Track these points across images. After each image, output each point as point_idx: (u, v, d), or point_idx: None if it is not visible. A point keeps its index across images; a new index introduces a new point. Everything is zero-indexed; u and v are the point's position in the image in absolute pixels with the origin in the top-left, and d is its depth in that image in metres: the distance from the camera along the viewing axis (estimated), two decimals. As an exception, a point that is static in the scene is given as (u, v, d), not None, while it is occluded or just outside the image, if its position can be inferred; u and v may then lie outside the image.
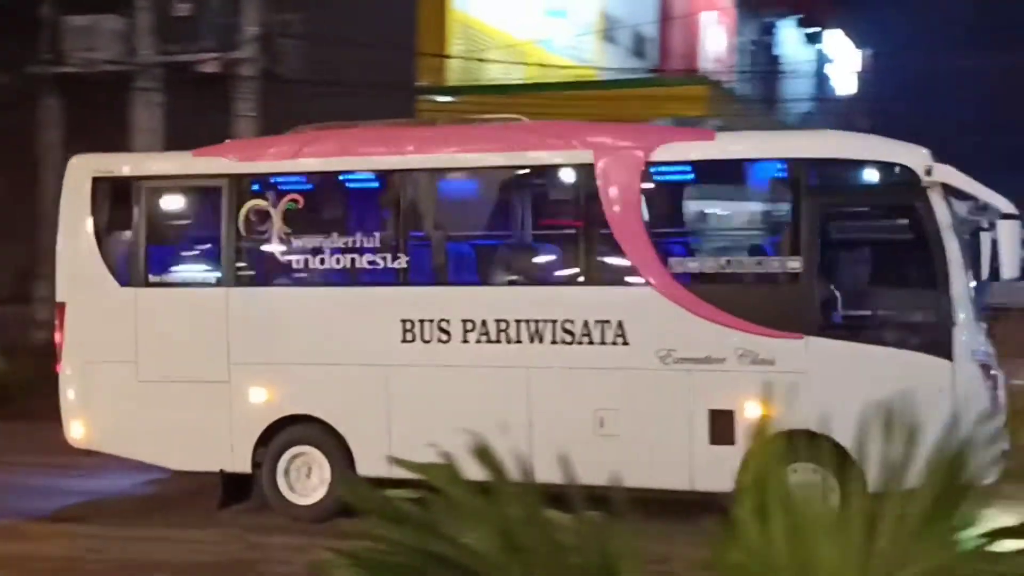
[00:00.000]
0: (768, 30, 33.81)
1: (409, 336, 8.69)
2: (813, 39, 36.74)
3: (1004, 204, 7.95)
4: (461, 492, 2.01)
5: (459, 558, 1.96)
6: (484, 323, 8.58)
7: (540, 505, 1.98)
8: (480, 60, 18.01)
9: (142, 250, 9.29)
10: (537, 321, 8.50)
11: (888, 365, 7.91)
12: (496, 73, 18.32)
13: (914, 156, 8.16)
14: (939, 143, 8.93)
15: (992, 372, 7.89)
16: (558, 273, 9.25)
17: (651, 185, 8.61)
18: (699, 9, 27.40)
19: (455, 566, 1.97)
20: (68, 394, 9.27)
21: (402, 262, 8.81)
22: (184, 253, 9.81)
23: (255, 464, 8.82)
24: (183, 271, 9.67)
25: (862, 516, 1.91)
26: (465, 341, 8.62)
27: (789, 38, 35.58)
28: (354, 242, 9.00)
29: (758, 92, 28.61)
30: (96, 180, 9.36)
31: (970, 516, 1.90)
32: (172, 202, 9.82)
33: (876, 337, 8.30)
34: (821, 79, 36.91)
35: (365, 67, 16.13)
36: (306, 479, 8.90)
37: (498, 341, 8.57)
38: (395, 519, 2.03)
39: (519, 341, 8.55)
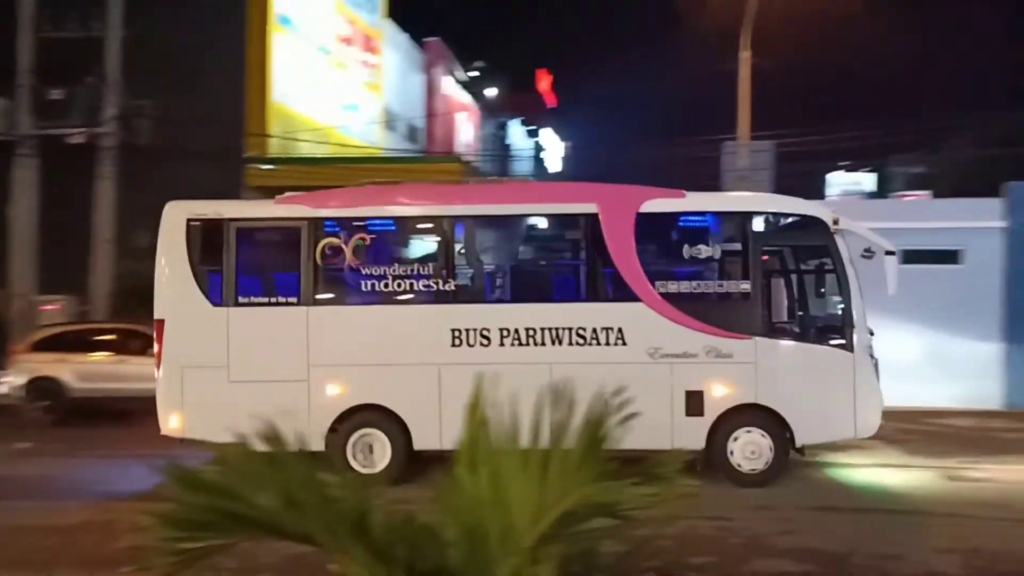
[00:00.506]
0: (502, 126, 35.63)
1: (457, 341, 8.91)
2: (532, 134, 38.93)
3: (887, 244, 8.90)
4: (252, 462, 1.95)
5: (248, 514, 1.90)
6: (516, 331, 8.91)
7: (313, 469, 1.96)
8: (294, 139, 17.98)
9: (232, 277, 9.12)
10: (557, 328, 8.92)
11: (810, 356, 8.89)
12: (306, 148, 18.27)
13: (826, 212, 9.17)
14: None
15: (873, 357, 8.78)
16: (573, 293, 9.64)
17: (640, 228, 9.02)
18: (454, 110, 28.65)
19: (244, 520, 1.92)
20: (165, 393, 8.95)
21: (452, 286, 9.11)
22: (268, 279, 9.50)
23: (327, 445, 8.59)
24: (268, 294, 9.30)
25: (538, 461, 1.88)
26: (501, 344, 8.90)
27: (516, 132, 37.41)
28: (412, 270, 9.16)
29: (495, 169, 29.69)
30: (190, 221, 9.18)
31: (605, 460, 1.94)
32: (258, 239, 9.75)
33: (802, 337, 9.18)
34: (538, 161, 39.17)
35: (203, 141, 15.89)
36: (369, 454, 8.90)
37: (527, 344, 8.89)
38: (193, 485, 1.95)
39: (543, 344, 8.90)
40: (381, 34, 23.19)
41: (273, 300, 9.23)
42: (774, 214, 9.59)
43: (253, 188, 17.09)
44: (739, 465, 8.80)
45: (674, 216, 9.39)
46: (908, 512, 7.80)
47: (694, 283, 9.08)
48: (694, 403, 8.79)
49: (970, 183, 19.19)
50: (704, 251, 9.12)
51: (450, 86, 28.73)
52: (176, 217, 9.19)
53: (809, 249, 9.54)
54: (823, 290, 9.55)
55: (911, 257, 14.15)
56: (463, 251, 9.44)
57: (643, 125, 52.81)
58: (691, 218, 9.46)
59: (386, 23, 23.59)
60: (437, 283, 9.09)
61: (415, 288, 9.11)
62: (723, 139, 18.62)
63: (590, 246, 9.34)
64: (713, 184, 17.18)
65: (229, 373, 8.85)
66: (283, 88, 18.14)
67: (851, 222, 9.08)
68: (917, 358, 13.71)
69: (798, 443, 8.84)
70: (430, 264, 9.26)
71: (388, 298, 9.09)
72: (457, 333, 8.93)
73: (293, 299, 9.13)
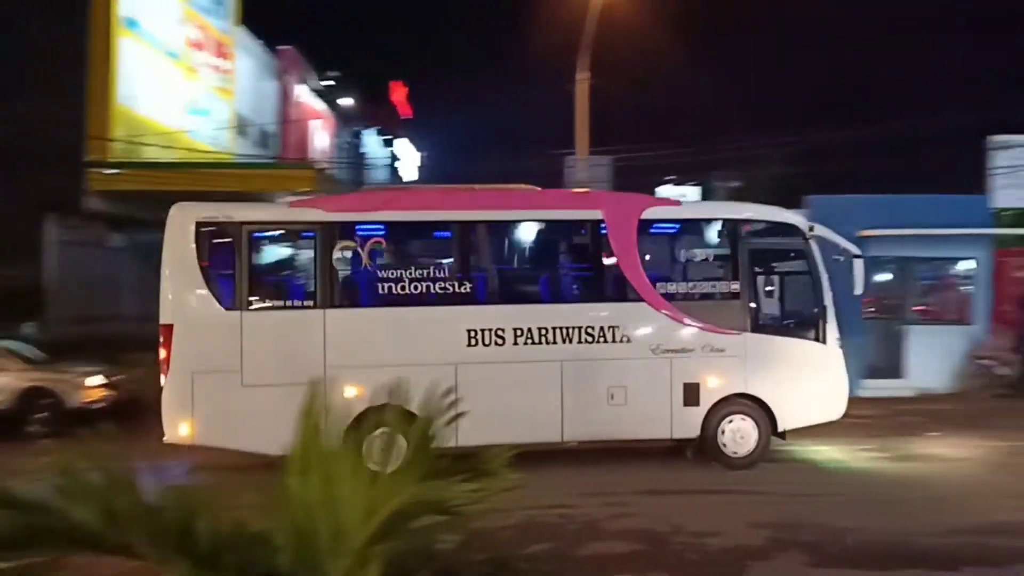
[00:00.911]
0: (357, 135, 34.94)
1: (473, 341, 8.82)
2: (388, 143, 38.43)
3: (855, 248, 9.72)
4: (70, 475, 1.84)
5: (65, 529, 1.80)
6: (530, 330, 8.91)
7: (136, 484, 1.86)
8: (139, 143, 16.80)
9: (245, 280, 8.66)
10: (564, 327, 8.98)
11: (790, 349, 9.38)
12: (153, 153, 17.15)
13: (802, 220, 9.87)
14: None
15: (841, 347, 9.43)
16: (579, 294, 9.62)
17: (642, 234, 9.29)
18: (308, 117, 27.80)
19: (62, 536, 1.81)
20: (174, 400, 8.37)
21: (468, 288, 8.97)
22: (283, 283, 9.21)
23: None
24: (283, 297, 9.02)
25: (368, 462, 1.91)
26: (516, 343, 8.88)
27: (372, 142, 36.95)
28: (429, 273, 8.95)
29: (351, 177, 29.17)
30: (199, 224, 8.60)
31: (434, 459, 2.02)
32: (271, 242, 9.26)
33: (784, 331, 9.61)
34: (394, 170, 38.76)
35: (44, 144, 14.71)
36: (385, 454, 8.02)
37: (539, 343, 8.91)
38: (3, 502, 1.82)
39: (555, 342, 8.94)
40: (232, 40, 22.20)
41: (289, 303, 8.93)
42: (758, 221, 9.95)
43: (95, 193, 15.95)
44: (729, 449, 9.21)
45: (672, 222, 9.79)
46: (732, 492, 8.30)
47: (690, 284, 9.45)
48: (691, 394, 9.13)
49: (781, 196, 20.61)
50: (699, 254, 9.67)
51: (304, 94, 27.92)
52: (184, 220, 8.62)
53: (788, 253, 9.99)
54: (799, 289, 9.93)
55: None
56: (477, 254, 9.41)
57: (496, 136, 53.66)
58: (687, 224, 9.88)
59: (238, 30, 22.62)
60: (453, 285, 8.99)
61: (432, 290, 8.95)
62: (564, 153, 19.20)
63: (596, 250, 9.46)
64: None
65: (242, 378, 8.41)
66: (128, 91, 16.99)
67: (823, 229, 9.73)
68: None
69: (780, 428, 9.33)
70: (446, 267, 9.12)
71: (405, 300, 8.89)
72: (473, 333, 8.88)
73: (310, 302, 8.83)
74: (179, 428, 8.38)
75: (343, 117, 32.40)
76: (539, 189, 9.97)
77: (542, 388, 8.85)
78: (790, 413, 9.29)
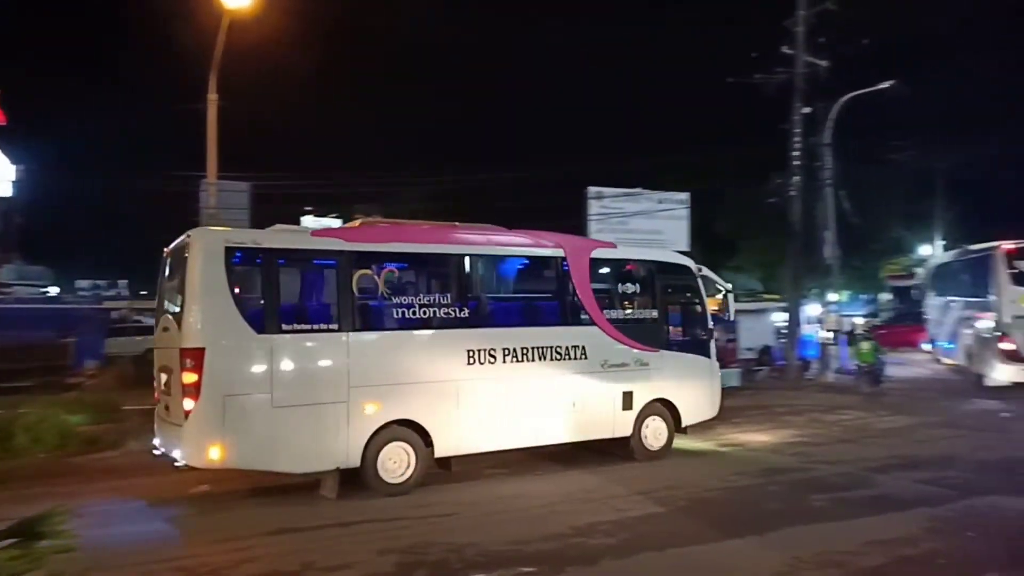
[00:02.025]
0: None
1: (471, 360, 9.79)
2: None
3: (727, 285, 12.69)
4: None
5: None
6: (514, 349, 10.11)
7: None
8: None
9: (275, 305, 8.79)
10: (541, 347, 10.36)
11: (689, 362, 11.71)
12: None
13: (693, 263, 12.20)
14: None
15: (719, 361, 12.40)
16: (550, 319, 10.80)
17: (592, 270, 11.01)
18: None
19: None
20: (204, 424, 8.25)
21: (465, 313, 9.89)
22: (309, 307, 9.45)
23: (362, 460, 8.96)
24: (310, 321, 9.12)
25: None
26: (504, 361, 10.02)
27: None
28: (431, 300, 9.76)
29: None
30: (228, 249, 8.55)
31: None
32: (297, 269, 9.52)
33: (684, 349, 11.74)
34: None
35: None
36: (393, 465, 9.23)
37: (521, 361, 10.15)
38: None
39: (532, 360, 10.25)
40: None
41: (315, 327, 9.08)
42: (667, 263, 12.16)
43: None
44: (648, 443, 11.19)
45: (612, 261, 11.62)
46: (366, 522, 8.26)
47: (625, 311, 11.35)
48: (627, 400, 11.04)
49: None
50: (630, 287, 11.48)
51: None
52: (212, 245, 8.60)
53: (685, 288, 12.09)
54: (693, 316, 12.08)
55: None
56: (470, 283, 10.25)
57: (118, 153, 48.54)
58: (621, 263, 11.68)
59: None
60: (454, 311, 9.84)
61: (437, 315, 9.73)
62: (197, 176, 18.03)
63: (561, 282, 10.89)
64: (194, 220, 16.47)
65: (273, 399, 8.53)
66: None
67: (706, 269, 12.37)
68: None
69: (683, 424, 11.55)
70: (448, 294, 9.94)
71: (416, 324, 9.59)
72: (471, 353, 9.82)
73: (334, 326, 9.07)
74: (209, 452, 8.31)
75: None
76: (505, 229, 11.27)
77: (523, 399, 10.14)
78: (689, 413, 11.57)
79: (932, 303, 23.97)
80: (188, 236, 8.82)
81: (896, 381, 20.59)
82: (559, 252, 10.90)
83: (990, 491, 8.85)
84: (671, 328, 11.85)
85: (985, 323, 18.14)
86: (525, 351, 10.24)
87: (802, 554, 6.77)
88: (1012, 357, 17.22)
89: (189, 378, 8.26)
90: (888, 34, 27.07)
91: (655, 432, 11.29)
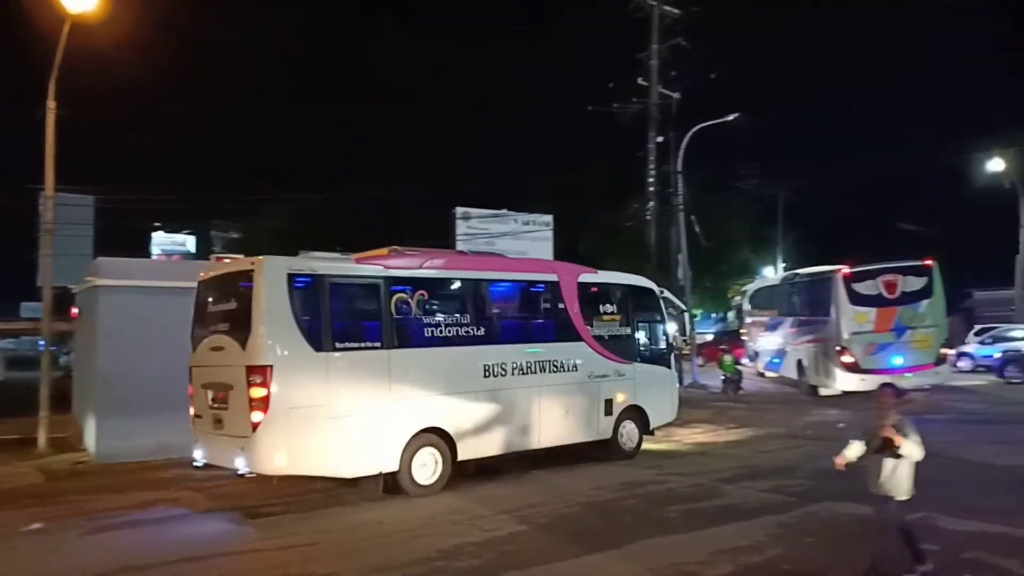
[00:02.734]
0: None
1: (488, 373, 10.96)
2: None
3: (683, 305, 14.91)
4: None
5: None
6: (519, 364, 11.33)
7: None
8: None
9: (329, 325, 9.55)
10: (541, 361, 11.65)
11: (655, 372, 13.45)
12: None
13: (655, 286, 14.04)
14: None
15: (677, 371, 14.59)
16: (548, 336, 12.06)
17: (580, 292, 12.37)
18: None
19: None
20: (272, 434, 8.91)
21: (481, 331, 11.03)
22: (357, 327, 10.08)
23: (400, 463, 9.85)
24: (358, 339, 9.89)
25: None
26: (512, 375, 11.21)
27: None
28: (455, 320, 10.79)
29: None
30: (290, 275, 9.33)
31: None
32: (347, 292, 10.20)
33: (652, 361, 13.47)
34: None
35: None
36: (422, 468, 10.10)
37: (525, 373, 11.38)
38: None
39: (534, 372, 11.51)
40: None
41: (362, 345, 9.88)
42: (636, 287, 13.79)
43: None
44: (624, 444, 12.67)
45: (594, 284, 12.91)
46: (199, 559, 7.80)
47: (607, 329, 12.72)
48: (608, 406, 12.51)
49: (281, 248, 20.87)
50: (609, 308, 12.90)
51: None
52: (277, 272, 9.28)
53: (650, 307, 13.76)
54: (656, 333, 13.83)
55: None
56: (484, 304, 11.47)
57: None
58: (602, 287, 13.09)
59: None
60: (472, 329, 10.96)
61: (459, 333, 10.80)
62: (36, 188, 16.65)
63: (556, 303, 12.22)
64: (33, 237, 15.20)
65: (329, 410, 9.28)
66: None
67: (667, 292, 14.65)
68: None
69: (651, 427, 13.23)
70: (467, 314, 11.02)
71: (442, 341, 10.61)
72: (487, 367, 11.00)
73: (377, 343, 9.93)
74: (276, 460, 9.02)
75: None
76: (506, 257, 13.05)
77: (528, 408, 11.30)
78: (656, 417, 13.26)
79: (753, 322, 26.21)
80: (252, 263, 9.52)
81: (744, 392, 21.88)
82: (554, 277, 12.33)
83: (828, 498, 9.43)
84: (641, 343, 13.47)
85: (827, 338, 19.99)
86: (529, 365, 11.51)
87: (657, 565, 6.97)
88: (851, 368, 19.02)
89: (257, 393, 8.93)
90: (736, 69, 28.92)
91: (629, 434, 12.83)
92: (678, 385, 14.21)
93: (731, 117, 23.43)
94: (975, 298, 42.77)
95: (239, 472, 9.16)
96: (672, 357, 14.00)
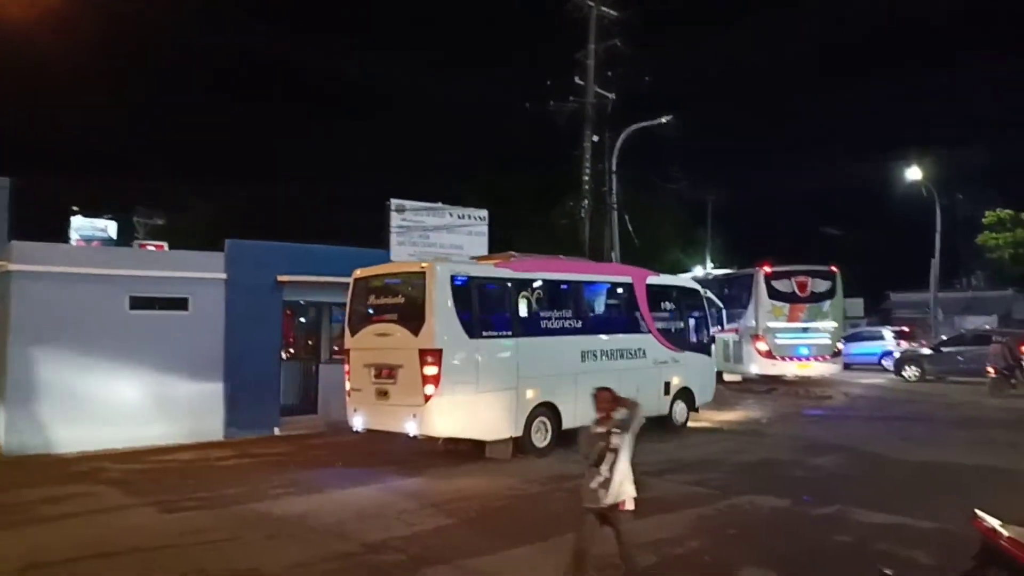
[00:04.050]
0: None
1: (586, 358, 13.16)
2: None
3: (718, 303, 17.52)
4: None
5: None
6: (607, 351, 13.59)
7: None
8: None
9: (477, 317, 11.83)
10: (621, 349, 13.89)
11: (700, 360, 15.74)
12: None
13: (700, 287, 16.78)
14: None
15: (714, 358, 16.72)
16: (625, 328, 14.28)
17: (648, 292, 14.80)
18: None
19: None
20: (441, 403, 11.07)
21: (579, 323, 13.35)
22: (495, 319, 12.29)
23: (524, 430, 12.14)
24: (497, 329, 12.17)
25: None
26: (601, 360, 13.39)
27: None
28: (561, 314, 13.10)
29: None
30: (452, 277, 11.56)
31: None
32: (488, 290, 12.42)
33: (698, 350, 15.73)
34: None
35: None
36: (537, 434, 12.34)
37: (609, 358, 13.58)
38: None
39: (615, 358, 13.72)
40: None
41: (499, 333, 12.12)
42: (685, 287, 16.54)
43: None
44: (676, 420, 14.95)
45: (657, 286, 15.28)
46: (112, 555, 7.47)
47: (665, 322, 15.04)
48: (666, 387, 14.74)
49: (208, 239, 20.27)
50: (667, 305, 15.29)
51: None
52: (443, 274, 11.49)
53: (697, 305, 16.14)
54: (701, 325, 16.02)
55: (145, 303, 14.27)
56: (582, 301, 13.67)
57: None
58: (662, 288, 15.47)
59: None
60: (573, 322, 13.18)
61: (565, 325, 12.98)
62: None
63: (631, 301, 14.59)
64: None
65: (477, 386, 11.57)
66: None
67: (707, 291, 16.96)
68: (146, 399, 13.67)
69: (696, 405, 15.51)
70: (569, 309, 13.23)
71: (553, 332, 12.76)
72: (583, 353, 13.12)
73: (508, 332, 12.20)
74: (442, 425, 11.16)
75: None
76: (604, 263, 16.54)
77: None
78: (700, 398, 15.61)
79: None
80: (422, 267, 11.78)
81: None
82: (629, 279, 14.81)
83: (748, 491, 9.66)
84: (690, 334, 15.65)
85: (746, 327, 22.39)
86: (613, 352, 13.73)
87: (583, 558, 6.96)
88: (765, 355, 21.92)
89: (431, 371, 11.03)
90: (671, 72, 29.35)
91: (680, 412, 15.06)
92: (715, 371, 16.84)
93: (664, 119, 23.73)
94: (892, 300, 44.58)
95: (410, 435, 11.22)
96: (712, 347, 16.33)
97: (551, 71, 24.31)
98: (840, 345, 23.07)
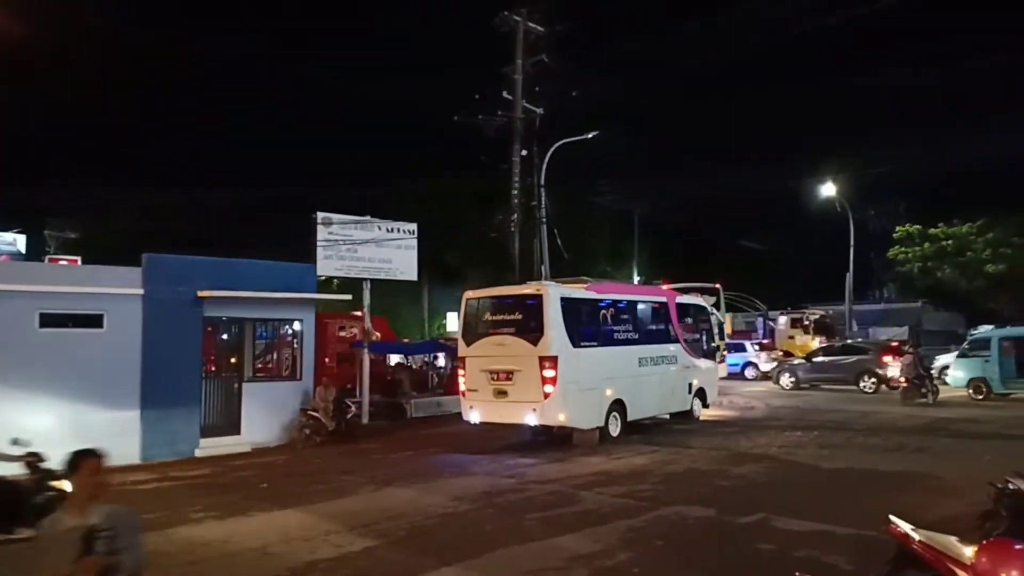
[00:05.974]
0: None
1: (641, 363, 16.51)
2: None
3: (721, 317, 21.75)
4: None
5: None
6: (653, 357, 16.91)
7: None
8: None
9: (578, 330, 14.76)
10: (662, 356, 17.27)
11: (709, 365, 19.40)
12: None
13: (709, 303, 20.54)
14: None
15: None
16: (663, 339, 17.62)
17: (678, 310, 18.38)
18: None
19: None
20: (558, 400, 14.00)
21: (636, 335, 16.68)
22: (587, 332, 15.22)
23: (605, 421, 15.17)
24: (590, 340, 15.19)
25: None
26: (649, 365, 16.78)
27: None
28: (625, 328, 16.42)
29: None
30: (562, 298, 14.51)
31: None
32: (582, 308, 15.30)
33: (707, 357, 19.32)
34: None
35: None
36: (611, 426, 15.31)
37: (657, 364, 17.02)
38: None
39: (659, 364, 17.09)
40: None
41: (591, 344, 15.17)
42: (699, 305, 19.74)
43: None
44: (695, 415, 18.19)
45: (683, 304, 18.74)
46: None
47: (688, 334, 18.38)
48: (690, 388, 18.15)
49: (124, 253, 19.45)
50: (688, 320, 18.65)
51: None
52: (555, 295, 14.44)
53: (707, 320, 19.71)
54: (711, 336, 19.71)
55: (56, 321, 13.63)
56: (637, 317, 16.97)
57: None
58: (686, 306, 18.87)
59: None
60: (632, 335, 16.49)
61: (627, 337, 16.33)
62: None
63: (667, 317, 17.87)
64: None
65: (579, 385, 14.42)
66: None
67: (713, 310, 20.61)
68: (58, 421, 12.99)
69: (708, 403, 18.92)
70: (630, 324, 16.56)
71: (621, 342, 16.12)
72: (640, 359, 16.48)
73: (596, 343, 15.38)
74: (557, 416, 14.17)
75: None
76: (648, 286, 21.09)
77: (657, 387, 16.73)
78: (709, 397, 19.06)
79: None
80: (538, 289, 14.79)
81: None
82: (665, 299, 18.19)
83: (675, 502, 9.83)
84: (704, 344, 19.06)
85: None
86: (657, 358, 17.00)
87: (513, 575, 6.97)
88: None
89: (549, 373, 13.93)
90: (597, 88, 29.84)
91: (698, 407, 18.38)
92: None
93: (591, 135, 24.11)
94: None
95: (530, 426, 14.41)
96: (717, 354, 19.86)
97: (480, 83, 24.42)
98: (724, 353, 24.09)
